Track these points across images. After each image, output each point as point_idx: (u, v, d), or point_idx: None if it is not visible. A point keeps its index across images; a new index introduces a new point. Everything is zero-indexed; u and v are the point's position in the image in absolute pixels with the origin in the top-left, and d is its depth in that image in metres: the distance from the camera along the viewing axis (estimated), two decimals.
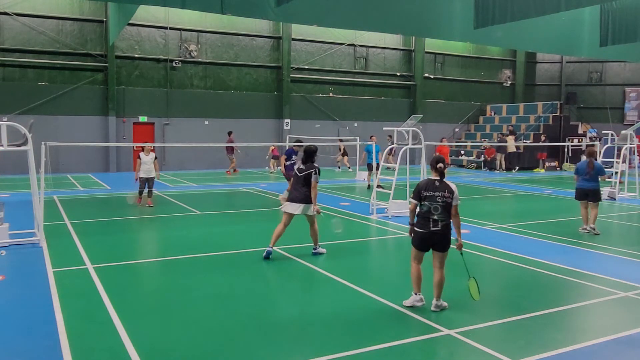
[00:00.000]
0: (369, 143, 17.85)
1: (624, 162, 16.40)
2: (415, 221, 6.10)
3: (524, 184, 20.40)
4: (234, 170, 23.62)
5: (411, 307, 6.08)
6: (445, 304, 6.10)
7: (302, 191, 8.26)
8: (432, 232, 5.95)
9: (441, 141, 21.11)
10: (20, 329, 5.40)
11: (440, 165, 6.05)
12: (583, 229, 10.63)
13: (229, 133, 23.46)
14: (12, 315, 5.80)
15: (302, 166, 8.40)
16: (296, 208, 8.24)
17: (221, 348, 5.05)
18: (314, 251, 8.64)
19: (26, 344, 5.04)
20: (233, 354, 4.93)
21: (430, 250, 6.13)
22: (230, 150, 23.14)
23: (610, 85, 33.23)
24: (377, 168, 14.84)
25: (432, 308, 6.04)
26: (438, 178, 6.04)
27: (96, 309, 5.99)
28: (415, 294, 6.16)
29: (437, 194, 5.93)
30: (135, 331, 5.34)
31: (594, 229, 10.56)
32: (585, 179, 10.50)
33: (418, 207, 6.07)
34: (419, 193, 6.00)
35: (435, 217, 5.91)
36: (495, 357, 4.81)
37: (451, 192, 5.96)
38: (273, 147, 24.55)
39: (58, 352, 4.85)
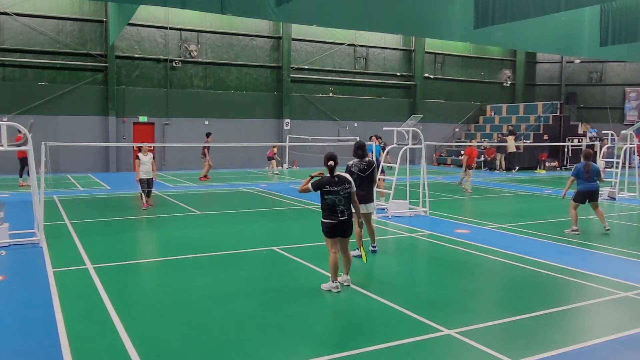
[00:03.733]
0: (371, 143, 17.79)
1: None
2: (322, 215, 6.67)
3: (524, 184, 20.40)
4: (206, 177, 20.99)
5: (411, 307, 6.08)
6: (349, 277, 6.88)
7: (368, 190, 8.32)
8: (341, 221, 6.58)
9: (470, 142, 21.26)
10: (21, 329, 5.40)
11: (330, 162, 6.58)
12: (574, 230, 10.51)
13: (208, 134, 21.31)
14: (12, 315, 5.80)
15: (363, 165, 8.24)
16: (370, 207, 8.38)
17: (221, 348, 5.05)
18: (373, 248, 8.74)
19: (26, 344, 5.04)
20: (233, 353, 4.93)
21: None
22: (207, 151, 20.84)
23: (610, 85, 33.25)
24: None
25: (345, 283, 6.80)
26: (336, 174, 6.59)
27: (96, 309, 5.99)
28: (333, 281, 6.65)
29: (338, 188, 6.55)
30: (135, 331, 5.34)
31: (605, 227, 10.64)
32: (587, 180, 10.47)
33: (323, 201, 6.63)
34: (319, 186, 6.57)
35: (341, 207, 6.55)
36: (495, 357, 4.81)
37: (349, 182, 6.67)
38: (274, 148, 24.08)
39: (58, 352, 4.85)
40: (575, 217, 10.55)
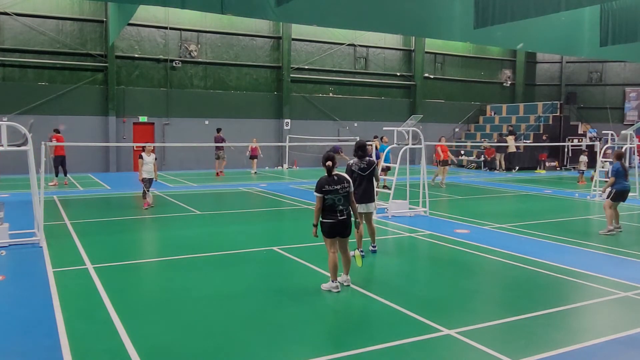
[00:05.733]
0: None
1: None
2: (321, 215, 6.68)
3: (524, 184, 20.40)
4: (221, 172, 22.31)
5: (411, 307, 6.08)
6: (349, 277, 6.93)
7: (369, 189, 8.28)
8: (340, 221, 6.61)
9: (439, 140, 21.36)
10: (20, 329, 5.40)
11: (328, 163, 6.67)
12: (610, 230, 10.48)
13: (218, 130, 22.42)
14: (12, 315, 5.80)
15: (363, 164, 8.25)
16: (370, 207, 8.34)
17: (221, 348, 5.05)
18: (373, 248, 8.75)
19: (26, 344, 5.04)
20: (233, 354, 4.93)
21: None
22: (221, 148, 21.90)
23: (610, 85, 33.25)
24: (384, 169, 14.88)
25: (345, 283, 6.83)
26: (334, 173, 6.63)
27: (96, 309, 5.99)
28: (332, 281, 6.68)
29: (338, 187, 6.58)
30: (135, 331, 5.35)
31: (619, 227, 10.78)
32: (625, 180, 10.62)
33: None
34: (321, 188, 6.56)
35: (340, 207, 6.59)
36: (495, 357, 4.81)
37: (348, 181, 6.74)
38: (254, 145, 23.09)
39: (58, 352, 4.85)
40: (611, 216, 10.57)
